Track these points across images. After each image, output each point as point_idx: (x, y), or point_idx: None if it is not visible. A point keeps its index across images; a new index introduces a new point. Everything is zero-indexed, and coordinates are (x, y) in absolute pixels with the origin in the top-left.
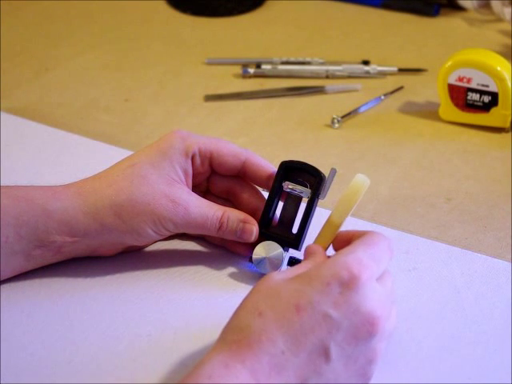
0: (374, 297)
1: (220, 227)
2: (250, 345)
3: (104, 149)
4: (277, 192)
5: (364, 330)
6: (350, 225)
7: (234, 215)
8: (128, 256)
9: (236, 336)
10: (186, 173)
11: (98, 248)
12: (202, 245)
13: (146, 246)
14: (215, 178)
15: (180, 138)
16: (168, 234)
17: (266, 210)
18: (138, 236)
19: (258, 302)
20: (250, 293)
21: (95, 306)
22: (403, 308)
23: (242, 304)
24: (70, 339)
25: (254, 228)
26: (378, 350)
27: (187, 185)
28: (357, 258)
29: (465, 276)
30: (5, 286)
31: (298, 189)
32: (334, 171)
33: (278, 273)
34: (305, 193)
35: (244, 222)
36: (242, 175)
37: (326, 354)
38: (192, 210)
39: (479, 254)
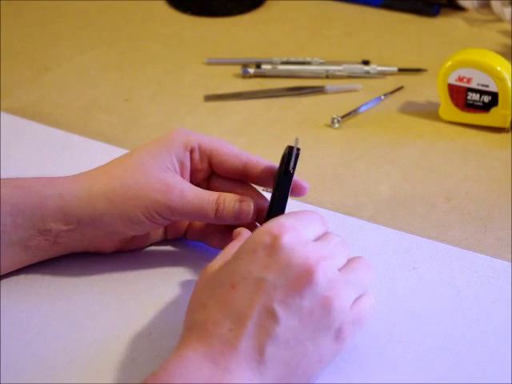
0: (303, 249)
1: (217, 209)
2: (199, 335)
3: (104, 149)
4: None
5: (302, 280)
6: (349, 225)
7: (229, 196)
8: (128, 256)
9: (187, 333)
10: (182, 164)
11: (93, 239)
12: (202, 246)
13: (144, 244)
14: (216, 180)
15: (181, 133)
16: (161, 221)
17: (272, 207)
18: (129, 222)
19: (200, 297)
20: (192, 292)
21: (95, 306)
22: (403, 308)
23: (188, 305)
24: (70, 339)
25: (250, 204)
26: (332, 297)
27: (183, 177)
28: (277, 223)
29: (465, 276)
30: (5, 286)
31: None
32: (296, 139)
33: (211, 265)
34: None
35: (240, 201)
36: (244, 177)
37: (273, 315)
38: (187, 193)
39: (479, 254)
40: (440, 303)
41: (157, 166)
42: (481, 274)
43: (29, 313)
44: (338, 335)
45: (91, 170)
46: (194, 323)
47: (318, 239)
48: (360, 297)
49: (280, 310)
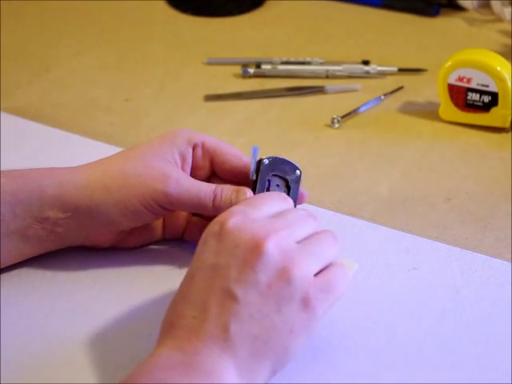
0: (251, 227)
1: (215, 198)
2: (168, 333)
3: (104, 149)
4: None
5: (251, 255)
6: (349, 225)
7: (226, 187)
8: (128, 255)
9: (159, 336)
10: (183, 158)
11: (90, 231)
12: None
13: (142, 242)
14: (216, 181)
15: (186, 130)
16: (158, 209)
17: None
18: (125, 210)
19: (172, 300)
20: None
21: (95, 306)
22: (403, 308)
23: None
24: (70, 339)
25: (246, 193)
26: (289, 267)
27: (183, 171)
28: (226, 211)
29: (465, 276)
30: (5, 286)
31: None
32: (253, 148)
33: None
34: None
35: (237, 190)
36: (245, 179)
37: (231, 295)
38: (184, 181)
39: (479, 254)
40: (440, 303)
41: (157, 158)
42: (481, 273)
43: (29, 312)
44: (306, 304)
45: (92, 162)
46: (164, 325)
47: (274, 217)
48: (328, 266)
49: (236, 288)
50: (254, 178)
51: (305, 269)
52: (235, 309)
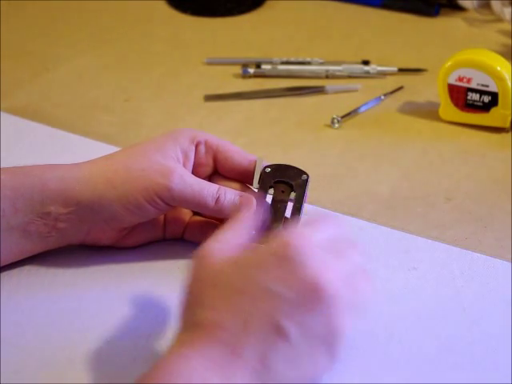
0: (315, 262)
1: (218, 198)
2: (201, 336)
3: (104, 149)
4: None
5: (312, 297)
6: (349, 225)
7: (230, 190)
8: (129, 255)
9: (187, 332)
10: (186, 156)
11: (92, 227)
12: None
13: (142, 241)
14: (218, 179)
15: (189, 129)
16: (161, 205)
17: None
18: (128, 204)
19: (205, 292)
20: (194, 280)
21: (95, 306)
22: (403, 308)
23: (189, 295)
24: (70, 339)
25: (252, 199)
26: (338, 320)
27: (185, 168)
28: (289, 231)
29: (465, 276)
30: (5, 286)
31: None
32: (257, 160)
33: (214, 251)
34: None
35: (241, 196)
36: (247, 178)
37: (277, 328)
38: (188, 178)
39: (479, 254)
40: (440, 303)
41: (160, 153)
42: (481, 273)
43: (29, 311)
44: (332, 355)
45: (94, 158)
46: (196, 322)
47: (332, 246)
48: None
49: (286, 324)
50: (257, 187)
51: (346, 324)
52: (279, 344)
